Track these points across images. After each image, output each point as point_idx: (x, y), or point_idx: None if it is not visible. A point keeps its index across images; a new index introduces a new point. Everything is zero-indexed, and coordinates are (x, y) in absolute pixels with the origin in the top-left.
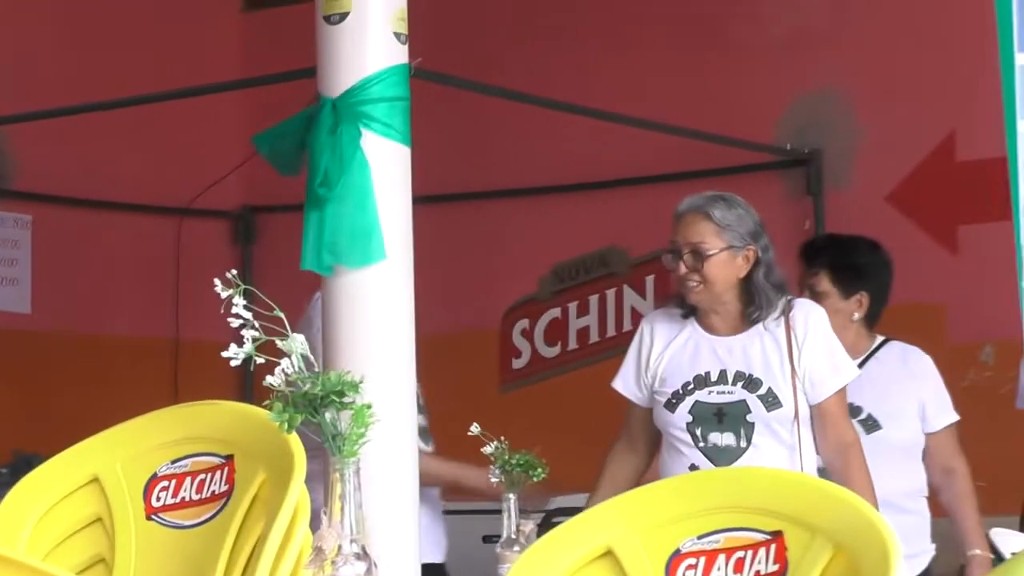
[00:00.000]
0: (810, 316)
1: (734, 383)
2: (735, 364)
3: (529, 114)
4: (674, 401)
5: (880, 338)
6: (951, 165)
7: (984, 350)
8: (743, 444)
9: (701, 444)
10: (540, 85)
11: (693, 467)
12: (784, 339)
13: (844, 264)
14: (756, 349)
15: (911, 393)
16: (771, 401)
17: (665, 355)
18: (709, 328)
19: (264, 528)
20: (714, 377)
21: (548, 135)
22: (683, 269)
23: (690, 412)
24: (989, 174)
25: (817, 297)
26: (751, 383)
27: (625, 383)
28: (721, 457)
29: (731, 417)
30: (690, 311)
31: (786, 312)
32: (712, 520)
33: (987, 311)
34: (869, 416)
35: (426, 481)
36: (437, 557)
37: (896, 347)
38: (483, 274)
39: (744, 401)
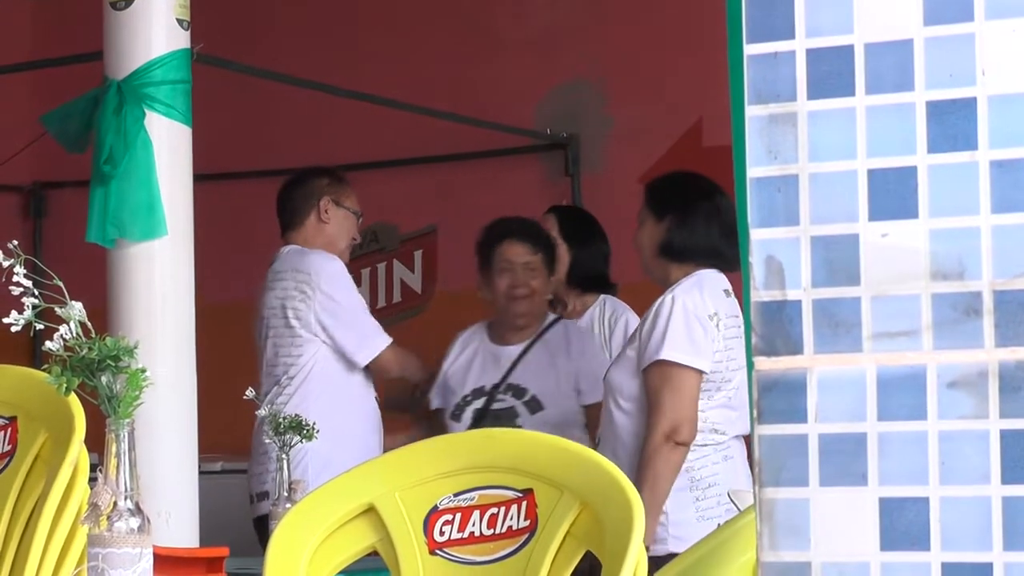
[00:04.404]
0: None
1: None
2: None
3: (307, 98)
4: None
5: None
6: (699, 150)
7: None
8: None
9: None
10: (321, 71)
11: None
12: None
13: None
14: None
15: None
16: None
17: None
18: None
19: (45, 486)
20: None
21: (325, 118)
22: None
23: None
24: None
25: None
26: None
27: None
28: None
29: None
30: None
31: None
32: (467, 479)
33: None
34: None
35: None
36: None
37: None
38: (261, 248)
39: None
